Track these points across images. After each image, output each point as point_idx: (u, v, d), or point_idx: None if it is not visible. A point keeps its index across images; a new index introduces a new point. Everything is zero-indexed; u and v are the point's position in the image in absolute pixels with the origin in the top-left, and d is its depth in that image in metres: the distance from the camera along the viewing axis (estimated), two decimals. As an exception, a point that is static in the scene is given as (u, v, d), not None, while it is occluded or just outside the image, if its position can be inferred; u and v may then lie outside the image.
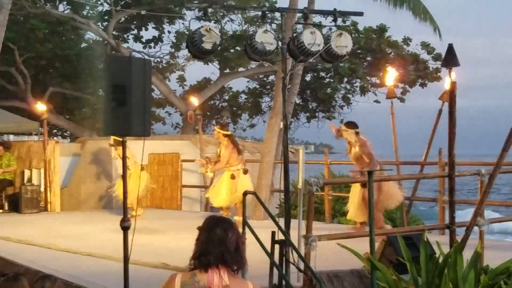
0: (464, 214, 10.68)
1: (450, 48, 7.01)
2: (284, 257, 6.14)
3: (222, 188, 10.84)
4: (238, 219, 10.91)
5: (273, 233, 6.19)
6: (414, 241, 6.69)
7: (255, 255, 6.50)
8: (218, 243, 3.19)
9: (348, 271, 6.57)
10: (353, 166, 12.93)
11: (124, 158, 5.71)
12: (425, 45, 21.83)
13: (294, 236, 6.39)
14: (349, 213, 10.15)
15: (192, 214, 13.74)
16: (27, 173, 14.67)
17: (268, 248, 6.17)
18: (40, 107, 15.32)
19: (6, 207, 14.30)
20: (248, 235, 6.34)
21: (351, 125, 9.79)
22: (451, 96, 6.97)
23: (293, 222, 6.56)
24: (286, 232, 6.14)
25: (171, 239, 9.92)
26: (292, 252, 6.11)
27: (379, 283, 6.09)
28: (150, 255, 8.22)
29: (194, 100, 15.82)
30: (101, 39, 21.63)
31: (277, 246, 6.20)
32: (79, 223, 12.00)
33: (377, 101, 23.23)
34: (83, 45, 22.45)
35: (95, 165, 15.06)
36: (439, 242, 6.77)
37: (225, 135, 10.96)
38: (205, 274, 3.15)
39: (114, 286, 6.27)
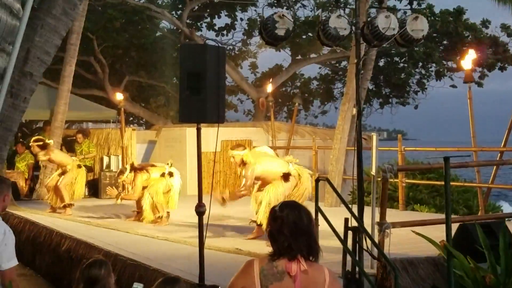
0: None
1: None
2: (357, 244, 6.10)
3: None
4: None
5: (346, 220, 6.16)
6: (493, 228, 6.52)
7: (328, 242, 6.50)
8: (306, 233, 3.17)
9: (423, 258, 6.49)
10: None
11: (198, 145, 5.79)
12: (505, 28, 21.08)
13: (367, 223, 6.35)
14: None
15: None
16: (105, 159, 15.13)
17: (341, 234, 6.15)
18: (118, 95, 15.75)
19: (86, 193, 14.80)
20: (321, 221, 6.33)
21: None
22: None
23: (366, 209, 6.50)
24: (359, 219, 6.10)
25: (243, 225, 10.02)
26: (365, 239, 6.06)
27: (456, 271, 5.98)
28: (223, 240, 8.35)
29: (270, 86, 15.82)
30: (175, 27, 21.98)
31: (350, 233, 6.17)
32: (155, 208, 12.27)
33: (453, 86, 22.65)
34: (158, 34, 22.86)
35: (169, 151, 15.38)
36: (519, 231, 6.57)
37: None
38: (283, 259, 3.14)
39: (189, 269, 6.41)
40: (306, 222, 3.18)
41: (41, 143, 11.72)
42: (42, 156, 11.72)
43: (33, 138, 12.23)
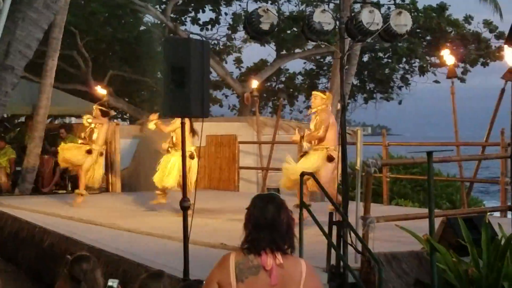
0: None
1: (514, 25, 6.78)
2: (341, 238, 6.12)
3: (174, 167, 10.45)
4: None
5: (331, 214, 6.18)
6: (475, 223, 6.57)
7: (312, 236, 6.51)
8: (269, 227, 3.13)
9: (406, 252, 6.52)
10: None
11: (183, 139, 5.78)
12: (487, 23, 21.22)
13: (351, 218, 6.37)
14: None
15: (249, 195, 13.77)
16: (89, 154, 15.01)
17: (326, 229, 6.17)
18: (101, 90, 15.63)
19: (69, 188, 14.73)
20: (306, 215, 6.34)
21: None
22: (515, 75, 6.78)
23: (351, 204, 6.53)
24: (344, 214, 6.12)
25: (228, 220, 10.02)
26: (350, 233, 6.09)
27: (439, 265, 6.02)
28: (208, 235, 8.34)
29: (255, 82, 15.79)
30: (159, 22, 21.86)
31: (335, 228, 6.19)
32: (140, 204, 12.24)
33: (436, 81, 22.77)
34: (142, 28, 22.72)
35: (153, 146, 15.30)
36: (501, 224, 6.62)
37: None
38: (255, 253, 3.13)
39: (173, 264, 6.39)
40: (271, 216, 3.14)
41: (105, 110, 11.90)
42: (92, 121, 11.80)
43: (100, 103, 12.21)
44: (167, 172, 10.45)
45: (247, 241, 3.17)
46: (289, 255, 3.16)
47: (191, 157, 10.16)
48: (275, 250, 3.12)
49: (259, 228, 3.14)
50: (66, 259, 4.05)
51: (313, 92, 9.57)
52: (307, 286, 3.13)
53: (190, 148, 10.30)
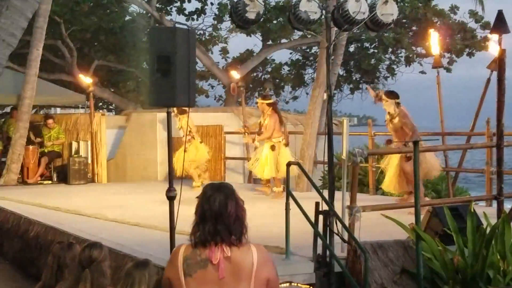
0: None
1: (500, 14, 6.81)
2: (328, 228, 6.14)
3: (267, 159, 10.86)
4: (277, 190, 10.93)
5: (317, 204, 6.19)
6: (460, 212, 6.61)
7: (299, 226, 6.52)
8: (215, 218, 3.02)
9: (392, 241, 6.55)
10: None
11: (169, 130, 5.75)
12: (473, 14, 21.27)
13: (338, 207, 6.38)
14: (384, 184, 9.91)
15: (236, 185, 13.75)
16: (74, 145, 14.96)
17: (312, 219, 6.18)
18: (86, 80, 15.53)
19: (55, 178, 14.66)
20: (292, 205, 6.35)
21: (392, 94, 9.36)
22: (500, 64, 6.81)
23: (337, 194, 6.54)
24: (330, 203, 6.14)
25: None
26: (336, 222, 6.10)
27: (424, 254, 6.06)
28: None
29: (235, 74, 15.76)
30: (144, 11, 21.71)
31: (321, 217, 6.20)
32: (126, 194, 12.21)
33: (422, 72, 22.80)
34: (127, 18, 22.56)
35: (140, 137, 15.25)
36: (486, 213, 6.67)
37: (269, 104, 10.97)
38: (203, 246, 3.05)
39: (160, 255, 6.37)
40: (217, 206, 3.04)
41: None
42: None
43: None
44: (265, 163, 10.91)
45: (193, 233, 3.09)
46: (240, 245, 3.04)
47: (272, 148, 10.80)
48: (220, 243, 3.01)
49: (204, 220, 3.04)
50: (54, 246, 4.04)
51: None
52: (259, 275, 3.03)
53: (278, 139, 10.90)
